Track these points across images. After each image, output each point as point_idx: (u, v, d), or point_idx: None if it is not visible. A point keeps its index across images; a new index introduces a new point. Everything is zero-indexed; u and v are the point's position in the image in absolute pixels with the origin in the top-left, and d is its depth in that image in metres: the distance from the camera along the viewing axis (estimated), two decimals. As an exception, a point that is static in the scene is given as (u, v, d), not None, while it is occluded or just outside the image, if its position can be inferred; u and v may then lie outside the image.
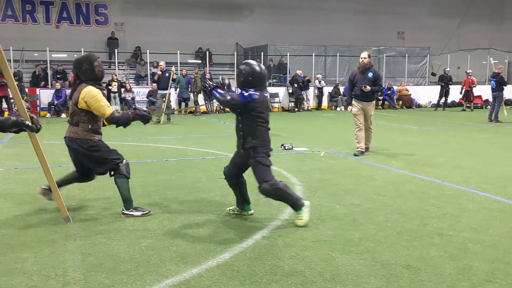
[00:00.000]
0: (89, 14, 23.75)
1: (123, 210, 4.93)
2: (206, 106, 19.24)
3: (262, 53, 22.64)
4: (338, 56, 23.38)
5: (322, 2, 25.86)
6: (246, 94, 4.56)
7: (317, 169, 7.50)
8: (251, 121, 4.62)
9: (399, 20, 27.49)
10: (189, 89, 18.77)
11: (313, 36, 24.43)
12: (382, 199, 5.66)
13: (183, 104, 18.84)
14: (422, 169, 7.47)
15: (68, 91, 16.20)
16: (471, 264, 3.72)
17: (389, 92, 22.22)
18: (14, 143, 9.93)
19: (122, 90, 19.04)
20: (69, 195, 5.74)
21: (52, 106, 17.98)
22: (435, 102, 21.66)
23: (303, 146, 9.85)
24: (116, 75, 19.50)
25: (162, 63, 15.43)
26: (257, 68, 4.71)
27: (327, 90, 22.07)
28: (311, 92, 21.66)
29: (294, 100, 20.99)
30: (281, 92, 21.47)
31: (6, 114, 14.80)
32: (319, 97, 21.75)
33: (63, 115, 17.33)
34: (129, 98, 18.87)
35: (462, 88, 20.77)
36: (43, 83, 19.18)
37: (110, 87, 18.77)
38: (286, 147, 9.41)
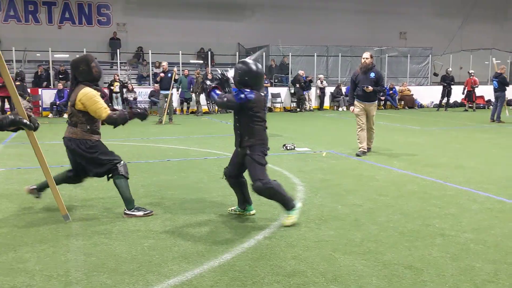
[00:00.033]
0: (91, 14, 23.80)
1: (125, 210, 4.93)
2: (208, 106, 19.26)
3: (264, 53, 22.64)
4: (340, 56, 23.37)
5: (324, 2, 25.85)
6: (242, 95, 4.56)
7: (319, 169, 7.50)
8: (248, 120, 4.64)
9: (401, 20, 27.46)
10: (191, 89, 18.79)
11: (315, 36, 24.42)
12: (384, 199, 5.65)
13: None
14: (424, 169, 7.46)
15: (71, 92, 16.18)
16: (473, 265, 3.71)
17: (391, 92, 22.20)
18: (17, 143, 9.95)
19: (124, 90, 19.07)
20: (71, 195, 5.75)
21: (54, 106, 18.01)
22: (437, 102, 21.63)
23: (305, 146, 9.85)
24: (118, 76, 19.53)
25: (164, 64, 15.44)
26: (254, 67, 4.70)
27: (329, 90, 22.07)
28: (313, 92, 21.65)
29: (296, 100, 20.99)
30: (283, 92, 21.47)
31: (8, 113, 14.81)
32: (321, 97, 21.75)
33: (65, 115, 17.35)
34: (131, 99, 18.90)
35: (464, 88, 20.75)
36: (45, 83, 19.22)
37: (112, 87, 18.81)
38: (288, 147, 9.41)
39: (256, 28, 24.95)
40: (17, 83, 15.18)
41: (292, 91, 21.20)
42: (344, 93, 21.39)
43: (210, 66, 21.85)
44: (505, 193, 5.96)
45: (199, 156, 8.80)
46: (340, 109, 21.50)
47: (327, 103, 22.12)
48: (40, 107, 18.19)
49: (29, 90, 17.17)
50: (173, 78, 14.83)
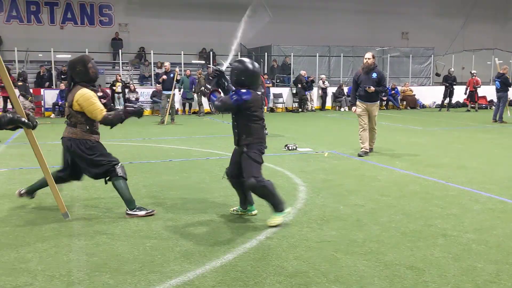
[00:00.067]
0: (94, 14, 23.83)
1: (127, 210, 4.94)
2: (209, 107, 19.27)
3: (266, 53, 22.65)
4: (342, 56, 23.35)
5: (326, 3, 25.83)
6: (237, 97, 4.56)
7: (321, 169, 7.50)
8: (246, 119, 4.65)
9: (403, 20, 27.44)
10: (193, 89, 18.81)
11: (317, 36, 24.41)
12: (386, 200, 5.65)
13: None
14: (426, 169, 7.46)
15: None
16: (475, 265, 3.71)
17: (393, 92, 22.18)
18: (19, 143, 9.96)
19: (126, 90, 19.09)
20: (73, 195, 5.76)
21: (56, 107, 18.03)
22: (440, 102, 21.59)
23: (307, 146, 9.84)
24: (120, 76, 19.55)
25: (167, 64, 15.46)
26: (250, 66, 4.70)
27: (331, 90, 22.06)
28: (315, 93, 21.64)
29: (298, 100, 20.98)
30: (285, 92, 21.46)
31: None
32: (323, 97, 21.73)
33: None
34: (133, 99, 18.92)
35: (466, 89, 20.72)
36: (47, 83, 19.25)
37: (114, 88, 18.84)
38: (290, 148, 9.41)
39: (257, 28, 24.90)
40: (20, 83, 15.23)
41: (294, 91, 21.19)
42: (346, 93, 21.38)
43: (212, 66, 21.86)
44: (507, 193, 5.95)
45: (201, 156, 8.80)
46: (342, 109, 21.49)
47: (329, 103, 22.10)
48: (42, 108, 18.22)
49: (31, 90, 17.20)
50: (175, 79, 14.84)
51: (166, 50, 20.83)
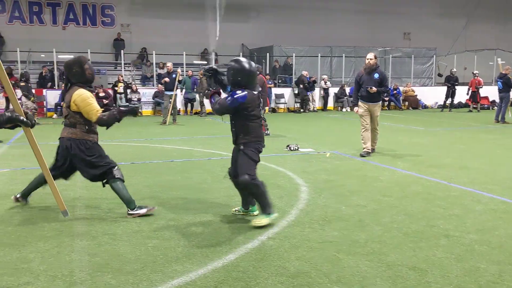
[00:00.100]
0: (96, 15, 23.87)
1: (128, 211, 4.94)
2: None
3: (267, 54, 22.65)
4: (344, 57, 23.34)
5: (329, 3, 25.82)
6: (233, 100, 4.56)
7: (323, 170, 7.49)
8: (243, 119, 4.67)
9: (405, 20, 27.42)
10: (195, 90, 18.81)
11: (319, 36, 24.42)
12: (388, 200, 5.64)
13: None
14: (428, 170, 7.44)
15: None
16: (478, 266, 3.70)
17: (395, 92, 22.15)
18: (21, 143, 9.97)
19: (128, 91, 19.11)
20: (75, 196, 5.77)
21: (58, 107, 18.03)
22: (442, 103, 21.57)
23: (309, 147, 9.84)
24: (122, 76, 19.58)
25: (169, 64, 15.47)
26: (246, 66, 4.69)
27: (333, 91, 22.05)
28: (316, 93, 21.63)
29: (300, 101, 20.98)
30: (287, 93, 21.45)
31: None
32: (325, 98, 21.73)
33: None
34: (135, 99, 18.93)
35: (468, 89, 20.69)
36: (49, 84, 19.28)
37: (116, 88, 18.87)
38: (292, 148, 9.40)
39: (260, 29, 24.96)
40: (22, 84, 15.26)
41: (296, 91, 21.19)
42: (348, 94, 21.36)
43: (215, 65, 21.85)
44: (510, 194, 5.94)
45: (203, 156, 8.81)
46: (344, 109, 21.48)
47: (331, 103, 22.10)
48: (45, 108, 18.25)
49: (33, 91, 17.23)
50: (177, 79, 14.85)
51: (168, 50, 20.85)
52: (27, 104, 14.94)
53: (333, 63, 24.15)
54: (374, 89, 8.67)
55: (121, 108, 4.99)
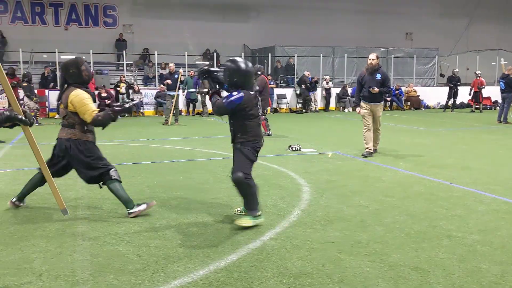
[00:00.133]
0: (98, 15, 23.90)
1: (128, 211, 4.95)
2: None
3: (269, 54, 22.64)
4: (346, 57, 23.32)
5: (330, 4, 25.82)
6: (230, 101, 4.57)
7: (324, 170, 7.49)
8: (241, 119, 4.68)
9: (407, 21, 27.39)
10: (197, 90, 18.82)
11: (321, 37, 24.40)
12: (390, 201, 5.63)
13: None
14: (430, 170, 7.43)
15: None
16: (480, 266, 3.69)
17: (397, 93, 22.13)
18: (24, 144, 9.99)
19: (130, 91, 19.14)
20: (77, 196, 5.78)
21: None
22: (444, 103, 21.54)
23: (311, 147, 9.83)
24: (124, 77, 19.61)
25: (171, 65, 15.49)
26: (243, 66, 4.68)
27: (335, 91, 22.04)
28: (318, 93, 21.62)
29: (301, 101, 20.97)
30: (289, 93, 21.45)
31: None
32: (327, 98, 21.72)
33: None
34: (137, 99, 18.96)
35: (471, 89, 20.66)
36: (52, 84, 19.29)
37: (118, 89, 18.90)
38: (294, 148, 9.40)
39: (261, 29, 24.97)
40: (24, 84, 15.27)
41: (298, 92, 21.18)
42: (350, 94, 21.35)
43: (216, 67, 21.89)
44: (512, 194, 5.93)
45: (205, 157, 8.81)
46: (346, 110, 21.46)
47: (333, 104, 22.08)
48: (47, 108, 18.28)
49: (36, 91, 17.26)
50: (179, 79, 14.86)
51: (170, 51, 20.86)
52: (29, 105, 14.95)
53: (335, 64, 24.13)
54: (376, 89, 8.66)
55: (115, 107, 4.99)
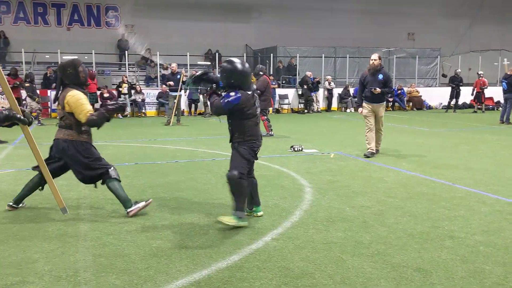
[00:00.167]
0: (100, 16, 23.91)
1: (126, 210, 4.96)
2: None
3: (271, 54, 22.65)
4: (348, 57, 23.30)
5: (332, 3, 25.81)
6: (227, 102, 4.57)
7: (327, 170, 7.48)
8: (239, 118, 4.69)
9: (409, 21, 27.35)
10: (199, 90, 18.81)
11: (323, 37, 24.38)
12: (392, 201, 5.62)
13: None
14: (433, 171, 7.42)
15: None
16: (483, 267, 3.68)
17: (399, 93, 22.09)
18: (26, 144, 10.00)
19: (132, 91, 19.16)
20: (79, 196, 5.78)
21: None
22: (446, 103, 21.50)
23: (313, 147, 9.83)
24: (126, 77, 19.62)
25: (174, 65, 15.49)
26: (239, 66, 4.67)
27: (337, 91, 22.02)
28: (320, 94, 21.61)
29: (303, 101, 20.95)
30: (291, 93, 21.44)
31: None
32: (329, 98, 21.70)
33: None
34: (139, 100, 18.98)
35: (473, 90, 20.62)
36: (54, 84, 19.25)
37: (120, 89, 18.91)
38: (296, 149, 9.39)
39: (263, 29, 24.96)
40: (27, 84, 15.28)
41: (300, 92, 21.16)
42: (352, 94, 21.33)
43: (218, 67, 21.88)
44: (515, 195, 5.91)
45: (207, 157, 8.81)
46: (348, 110, 21.44)
47: (335, 104, 22.06)
48: (49, 108, 18.29)
49: (38, 91, 17.28)
50: (181, 80, 14.86)
51: (172, 51, 20.88)
52: (32, 105, 14.97)
53: (337, 64, 24.11)
54: (378, 90, 8.65)
55: (108, 106, 4.99)
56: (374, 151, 8.79)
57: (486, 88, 20.40)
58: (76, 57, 20.80)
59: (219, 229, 4.60)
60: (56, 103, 5.01)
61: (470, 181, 6.71)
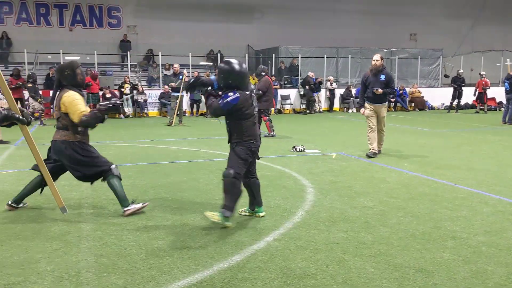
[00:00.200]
0: (102, 16, 23.96)
1: (123, 209, 4.97)
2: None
3: (273, 55, 22.64)
4: (350, 58, 23.30)
5: (334, 4, 25.81)
6: (225, 103, 4.57)
7: (329, 171, 7.47)
8: (237, 119, 4.69)
9: (411, 21, 27.33)
10: (200, 91, 18.81)
11: (325, 37, 24.38)
12: (394, 202, 5.62)
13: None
14: (435, 171, 7.41)
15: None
16: (485, 268, 3.68)
17: (401, 93, 22.07)
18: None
19: (135, 92, 19.18)
20: (81, 196, 5.79)
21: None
22: (448, 104, 21.48)
23: (315, 148, 9.82)
24: (128, 78, 19.65)
25: (176, 65, 15.50)
26: (237, 67, 4.67)
27: (339, 92, 22.01)
28: (322, 94, 21.60)
29: (305, 102, 20.96)
30: (293, 94, 21.44)
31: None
32: (331, 99, 21.69)
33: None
34: (141, 100, 19.00)
35: (475, 90, 20.59)
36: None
37: (122, 90, 18.94)
38: (298, 149, 9.39)
39: (265, 30, 24.97)
40: (29, 85, 15.32)
41: (302, 92, 21.17)
42: (354, 95, 21.31)
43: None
44: (518, 195, 5.90)
45: (209, 157, 8.81)
46: (350, 110, 21.43)
47: (337, 104, 22.05)
48: (52, 109, 18.32)
49: (40, 92, 17.31)
50: (183, 80, 14.86)
51: (174, 51, 20.90)
52: (34, 105, 15.00)
53: (339, 64, 24.11)
54: (380, 90, 8.64)
55: (101, 105, 5.00)
56: (376, 152, 8.78)
57: (488, 88, 20.37)
58: (75, 58, 20.94)
59: (221, 229, 4.60)
60: (53, 104, 5.04)
61: (472, 181, 6.70)
